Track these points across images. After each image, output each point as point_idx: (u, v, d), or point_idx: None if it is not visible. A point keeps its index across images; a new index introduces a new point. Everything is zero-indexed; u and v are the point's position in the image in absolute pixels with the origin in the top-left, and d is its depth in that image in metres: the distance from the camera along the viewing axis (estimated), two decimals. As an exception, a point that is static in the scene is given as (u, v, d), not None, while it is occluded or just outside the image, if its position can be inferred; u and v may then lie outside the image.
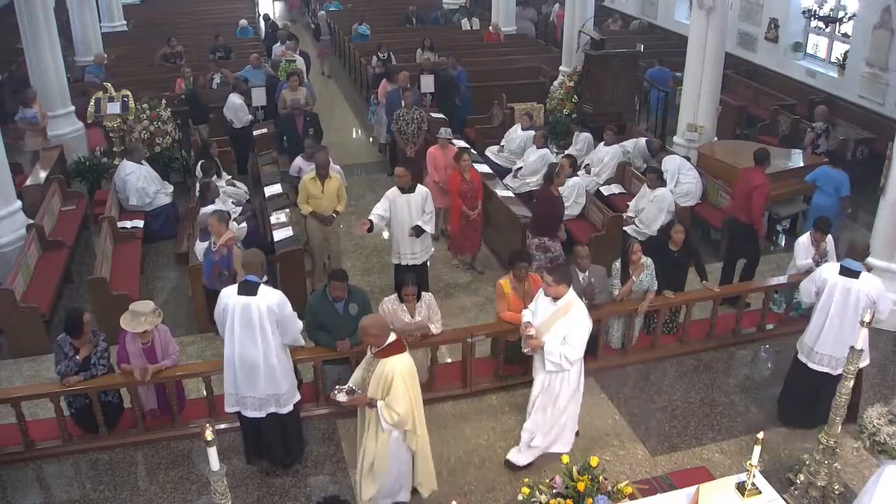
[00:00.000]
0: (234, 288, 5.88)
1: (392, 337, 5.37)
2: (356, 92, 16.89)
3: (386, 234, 8.59)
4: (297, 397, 6.22)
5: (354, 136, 14.78)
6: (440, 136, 9.98)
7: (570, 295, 5.93)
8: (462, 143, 11.05)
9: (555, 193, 8.59)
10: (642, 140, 11.40)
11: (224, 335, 5.90)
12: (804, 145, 11.82)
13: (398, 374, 5.22)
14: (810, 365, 6.56)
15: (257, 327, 5.75)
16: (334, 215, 8.77)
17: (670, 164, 10.36)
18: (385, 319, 5.72)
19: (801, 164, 10.59)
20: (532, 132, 11.05)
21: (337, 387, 5.48)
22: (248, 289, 5.79)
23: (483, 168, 10.36)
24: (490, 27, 18.21)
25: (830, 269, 6.48)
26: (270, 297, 5.81)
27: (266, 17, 20.28)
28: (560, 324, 5.87)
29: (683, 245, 7.62)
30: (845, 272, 6.33)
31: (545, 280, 5.97)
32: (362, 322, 5.43)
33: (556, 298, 5.92)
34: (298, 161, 9.83)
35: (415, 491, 5.80)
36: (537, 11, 20.78)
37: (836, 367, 6.34)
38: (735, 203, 8.78)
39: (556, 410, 6.14)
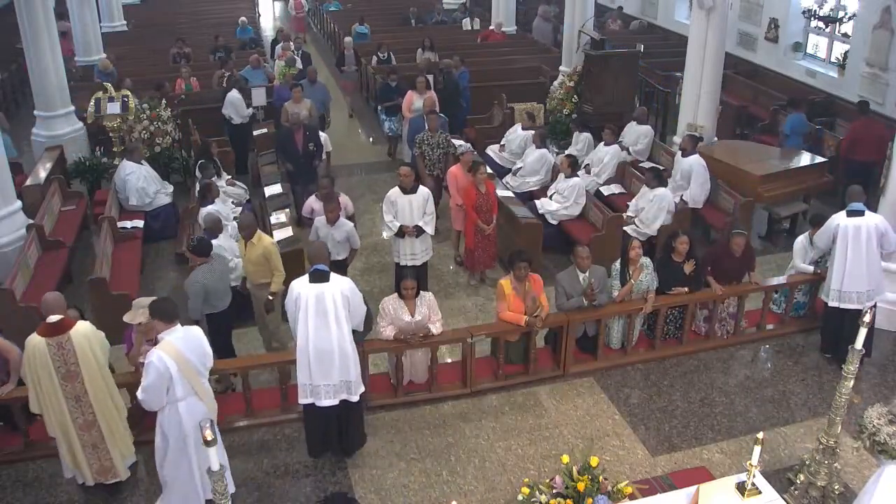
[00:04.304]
0: (304, 277, 6.01)
1: (53, 318, 5.55)
2: (356, 91, 16.84)
3: (385, 234, 8.56)
4: (363, 388, 6.27)
5: (355, 135, 14.77)
6: (462, 152, 9.50)
7: (164, 336, 5.36)
8: (479, 158, 10.46)
9: (735, 253, 7.65)
10: (632, 122, 11.51)
11: (295, 326, 5.99)
12: (676, 92, 12.74)
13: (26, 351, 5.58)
14: (842, 305, 7.33)
15: (332, 314, 5.88)
16: (269, 297, 7.38)
17: (696, 166, 9.92)
18: (54, 297, 5.78)
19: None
20: (532, 132, 11.06)
21: None
22: (320, 277, 5.94)
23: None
24: (493, 26, 18.18)
25: (839, 216, 7.36)
26: (343, 284, 6.01)
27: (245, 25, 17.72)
28: None
29: (688, 255, 7.52)
30: (851, 214, 7.28)
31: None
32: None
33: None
34: (311, 201, 8.68)
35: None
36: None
37: (864, 302, 7.16)
38: (869, 153, 10.57)
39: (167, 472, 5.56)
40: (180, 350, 5.32)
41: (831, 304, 7.43)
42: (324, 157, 10.77)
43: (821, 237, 7.58)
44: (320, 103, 12.13)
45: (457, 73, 13.23)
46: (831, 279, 7.43)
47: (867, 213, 7.34)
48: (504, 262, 8.97)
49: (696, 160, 9.88)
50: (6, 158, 9.09)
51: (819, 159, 10.74)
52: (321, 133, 10.87)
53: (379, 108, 13.21)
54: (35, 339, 5.54)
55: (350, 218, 8.47)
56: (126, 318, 6.33)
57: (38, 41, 10.98)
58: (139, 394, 5.31)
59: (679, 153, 10.24)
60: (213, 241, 7.87)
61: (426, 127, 10.30)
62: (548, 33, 18.73)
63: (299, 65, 13.97)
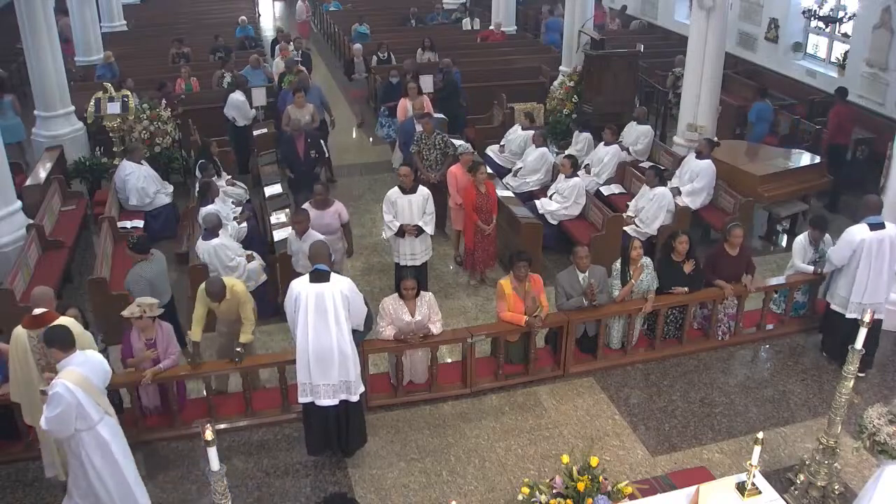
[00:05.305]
0: (304, 277, 6.03)
1: (38, 311, 5.68)
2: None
3: (385, 234, 8.56)
4: (363, 388, 6.28)
5: (355, 135, 14.76)
6: (462, 152, 9.45)
7: (65, 364, 5.18)
8: (479, 158, 10.42)
9: (729, 253, 7.73)
10: (632, 122, 11.52)
11: (295, 325, 6.00)
12: (666, 87, 13.40)
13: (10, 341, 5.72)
14: (848, 315, 7.23)
15: (331, 314, 5.89)
16: (238, 350, 6.67)
17: (707, 170, 9.92)
18: (41, 291, 5.94)
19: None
20: (532, 132, 11.05)
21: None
22: (320, 277, 5.96)
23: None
24: (492, 26, 18.15)
25: (860, 229, 7.11)
26: (343, 283, 6.02)
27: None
28: None
29: (688, 255, 7.52)
30: (873, 227, 7.06)
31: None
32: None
33: None
34: (306, 208, 8.25)
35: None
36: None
37: (882, 311, 7.13)
38: (846, 136, 11.30)
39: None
40: (83, 375, 5.16)
41: (849, 315, 7.20)
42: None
43: (838, 253, 7.26)
44: (319, 106, 12.07)
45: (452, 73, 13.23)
46: (850, 292, 7.21)
47: (888, 224, 7.11)
48: (504, 262, 8.98)
49: (708, 164, 9.88)
50: (6, 158, 9.09)
51: (818, 159, 10.74)
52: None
53: (382, 108, 13.11)
54: (19, 331, 5.67)
55: (345, 226, 8.43)
56: (125, 312, 6.35)
57: (38, 41, 10.98)
58: (43, 424, 5.07)
59: (692, 154, 10.18)
60: (214, 241, 7.91)
61: (417, 129, 10.24)
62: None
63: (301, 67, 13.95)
